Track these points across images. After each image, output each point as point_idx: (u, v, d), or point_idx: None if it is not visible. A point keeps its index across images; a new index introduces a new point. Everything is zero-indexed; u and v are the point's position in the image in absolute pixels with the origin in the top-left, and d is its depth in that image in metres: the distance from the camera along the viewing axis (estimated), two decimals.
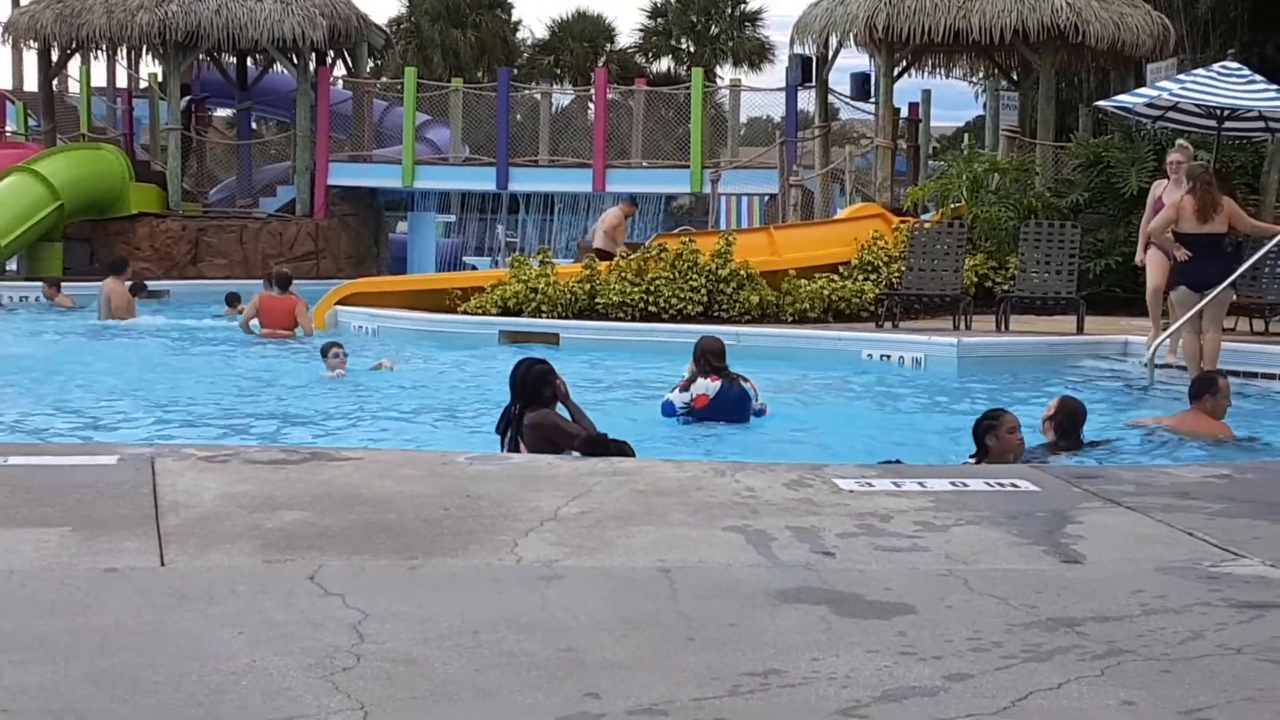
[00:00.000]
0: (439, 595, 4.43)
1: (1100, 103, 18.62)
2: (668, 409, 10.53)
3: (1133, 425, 10.17)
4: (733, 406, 10.44)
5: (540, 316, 16.40)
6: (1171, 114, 16.66)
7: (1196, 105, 16.13)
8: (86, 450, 7.33)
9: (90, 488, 5.67)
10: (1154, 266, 13.57)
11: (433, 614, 4.22)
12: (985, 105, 27.35)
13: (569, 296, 16.62)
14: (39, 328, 18.81)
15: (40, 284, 22.36)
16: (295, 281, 23.60)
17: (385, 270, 27.26)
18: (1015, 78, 24.55)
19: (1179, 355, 12.94)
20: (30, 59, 28.90)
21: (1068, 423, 9.00)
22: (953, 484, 6.13)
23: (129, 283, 20.16)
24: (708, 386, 10.36)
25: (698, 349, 10.62)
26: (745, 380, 10.58)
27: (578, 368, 13.82)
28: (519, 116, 29.41)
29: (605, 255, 19.39)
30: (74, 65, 29.20)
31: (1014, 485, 6.13)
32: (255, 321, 17.30)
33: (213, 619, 4.14)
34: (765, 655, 3.93)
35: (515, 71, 34.94)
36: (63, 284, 22.19)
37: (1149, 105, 16.63)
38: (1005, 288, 17.11)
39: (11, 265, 25.21)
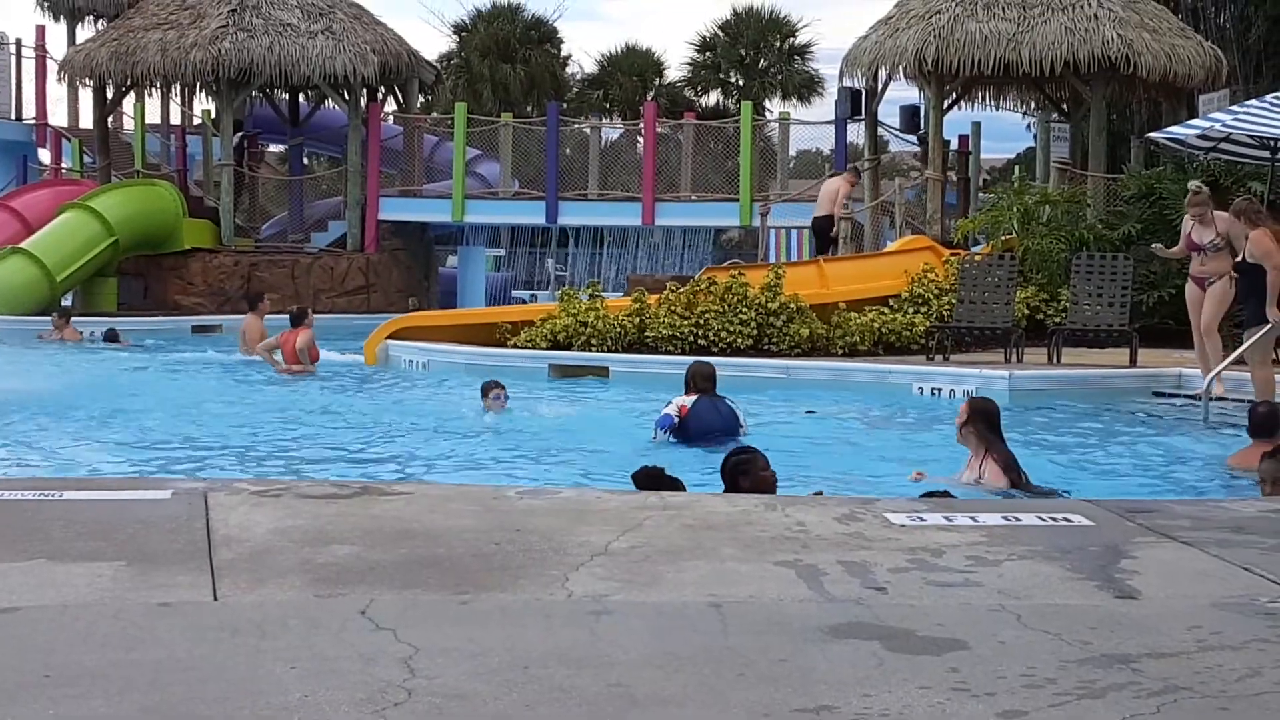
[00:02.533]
0: (489, 630, 4.43)
1: (1152, 134, 18.54)
2: (664, 422, 11.02)
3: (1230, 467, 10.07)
4: (717, 420, 10.87)
5: (590, 350, 16.42)
6: (1224, 145, 16.57)
7: (1250, 136, 16.03)
8: (140, 485, 7.38)
9: (144, 522, 5.70)
10: (1190, 305, 13.64)
11: (483, 649, 4.22)
12: (1036, 137, 27.28)
13: (619, 330, 16.64)
14: (94, 361, 18.97)
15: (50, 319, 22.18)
16: (347, 315, 23.80)
17: (435, 304, 27.39)
18: (1066, 109, 24.47)
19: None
20: (86, 97, 29.30)
21: (985, 423, 8.78)
22: (1005, 518, 6.08)
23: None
24: (687, 399, 11.06)
25: (688, 372, 11.36)
26: (731, 402, 11.13)
27: (628, 401, 13.86)
28: (568, 150, 29.54)
29: (828, 222, 19.67)
30: (129, 102, 29.57)
31: (1067, 519, 6.08)
32: (279, 354, 17.35)
33: (265, 653, 4.15)
34: (817, 691, 3.90)
35: (565, 106, 35.10)
36: (73, 318, 22.12)
37: (1201, 137, 16.54)
38: (1057, 320, 17.03)
39: (67, 300, 25.48)
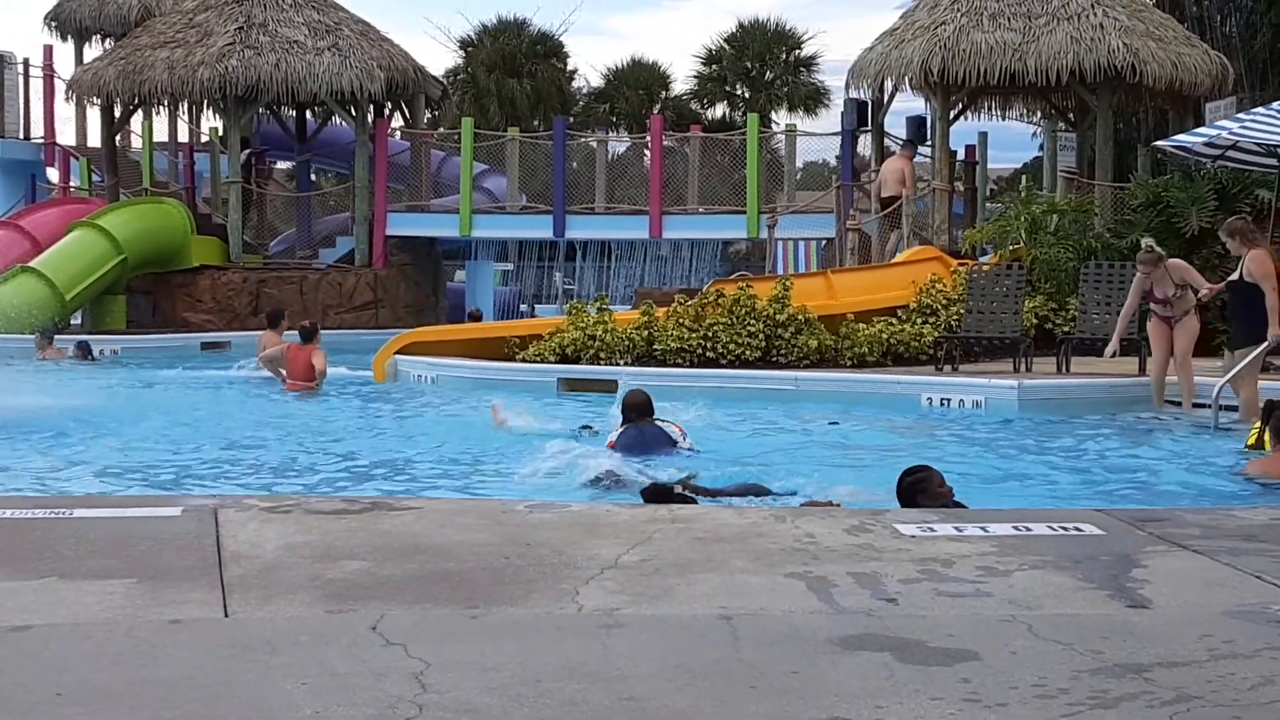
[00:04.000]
0: (501, 644, 4.43)
1: (1159, 143, 18.54)
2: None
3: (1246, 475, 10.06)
4: (642, 445, 11.01)
5: (599, 363, 16.42)
6: (1231, 153, 16.56)
7: (1257, 144, 16.02)
8: (151, 502, 7.39)
9: (154, 539, 5.71)
10: (1153, 338, 13.98)
11: (495, 663, 4.22)
12: (1043, 146, 27.29)
13: (627, 343, 16.64)
14: (103, 379, 19.00)
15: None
16: (356, 331, 23.76)
17: (444, 319, 27.41)
18: (1072, 119, 24.47)
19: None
20: (94, 115, 29.37)
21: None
22: (1015, 528, 6.08)
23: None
24: (615, 432, 11.30)
25: (621, 403, 11.60)
26: (670, 424, 11.32)
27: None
28: (575, 164, 29.56)
29: (892, 201, 19.69)
30: (136, 121, 29.62)
31: (1078, 529, 6.08)
32: (283, 368, 17.34)
33: (276, 670, 4.16)
34: (828, 703, 3.90)
35: (571, 119, 35.12)
36: (56, 337, 21.73)
37: (1208, 145, 16.53)
38: (1066, 329, 17.01)
39: (76, 319, 25.51)
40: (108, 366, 21.13)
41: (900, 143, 23.12)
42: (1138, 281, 14.25)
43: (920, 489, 7.46)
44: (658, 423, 11.27)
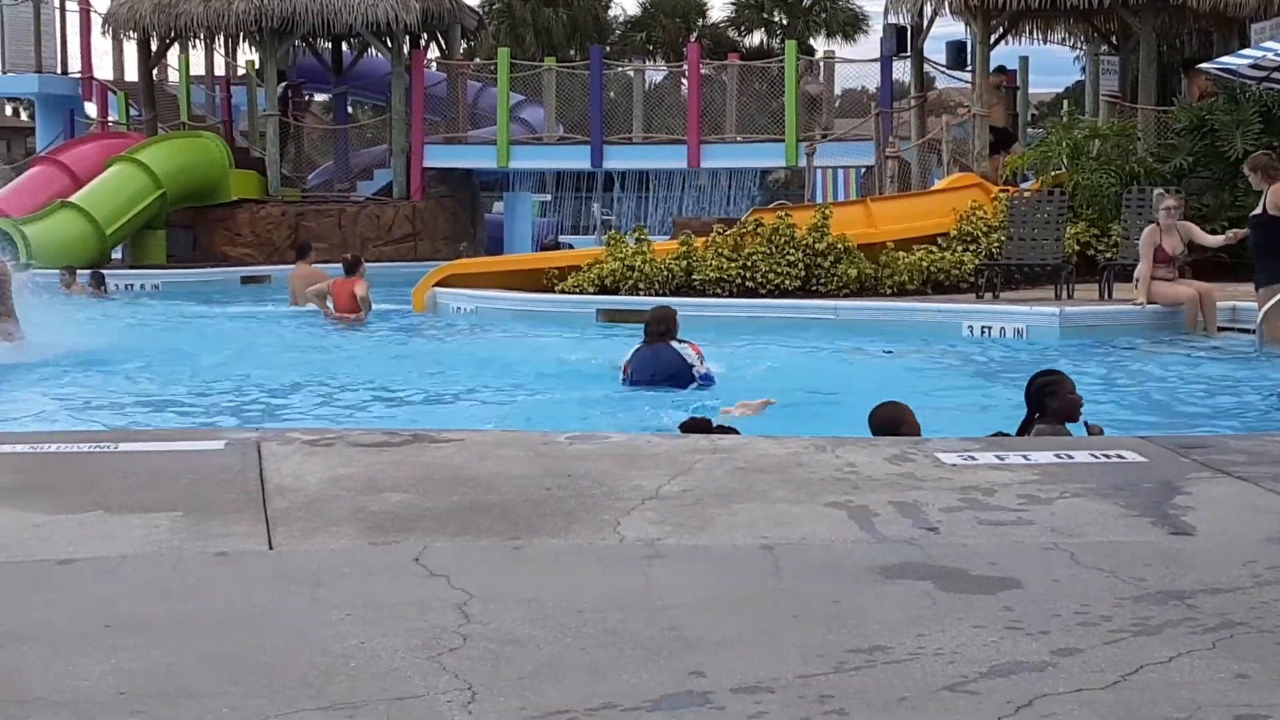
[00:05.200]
0: (543, 575, 4.45)
1: (1203, 65, 18.29)
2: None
3: None
4: (653, 366, 10.78)
5: (638, 294, 16.41)
6: (1277, 74, 16.33)
7: None
8: (194, 436, 7.44)
9: (198, 473, 5.76)
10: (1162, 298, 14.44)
11: (537, 594, 4.24)
12: (1084, 70, 26.95)
13: (665, 273, 16.62)
14: (144, 314, 19.12)
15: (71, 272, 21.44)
16: (394, 263, 23.81)
17: (483, 251, 27.41)
18: (1115, 42, 24.15)
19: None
20: (130, 50, 29.33)
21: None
22: (1057, 456, 6.06)
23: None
24: (629, 352, 11.08)
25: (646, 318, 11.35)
26: (686, 344, 10.95)
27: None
28: (612, 94, 29.41)
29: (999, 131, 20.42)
30: (173, 55, 29.60)
31: (1120, 456, 6.05)
32: (330, 301, 17.42)
33: (321, 601, 4.19)
34: (870, 632, 3.91)
35: (608, 49, 34.95)
36: (78, 271, 21.70)
37: (1253, 66, 16.31)
38: (1108, 256, 16.88)
39: (116, 254, 25.64)
40: (146, 300, 21.25)
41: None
42: (1150, 234, 14.33)
43: (1049, 392, 7.46)
44: (674, 344, 10.94)
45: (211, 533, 4.92)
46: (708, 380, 10.88)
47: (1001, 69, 22.63)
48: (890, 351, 13.45)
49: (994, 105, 21.67)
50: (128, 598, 4.24)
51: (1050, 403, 7.41)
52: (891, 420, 7.36)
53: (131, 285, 22.73)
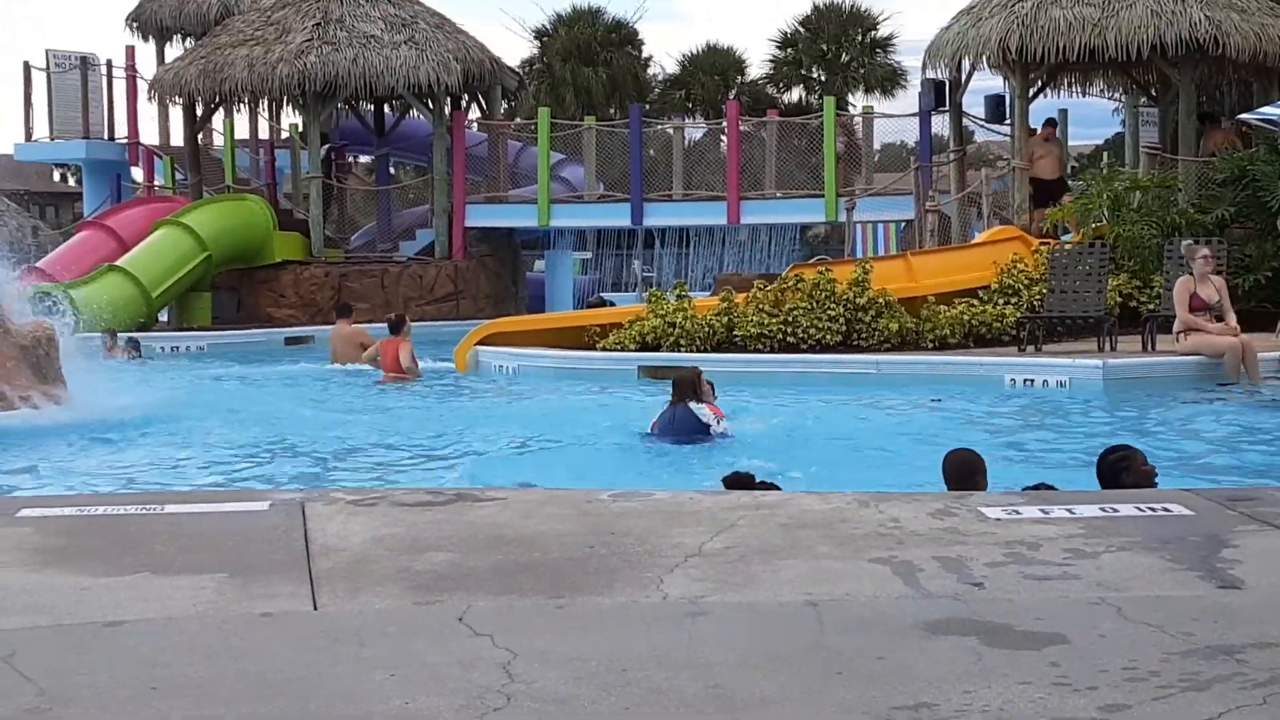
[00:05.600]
0: (586, 634, 4.45)
1: (1243, 116, 18.26)
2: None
3: None
4: (672, 428, 11.33)
5: (679, 351, 16.42)
6: None
7: None
8: (239, 496, 7.48)
9: (243, 534, 5.78)
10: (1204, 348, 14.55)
11: (581, 653, 4.24)
12: (1124, 122, 26.93)
13: (707, 330, 16.63)
14: (189, 375, 19.24)
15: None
16: (436, 323, 23.90)
17: (524, 309, 27.50)
18: (1154, 93, 24.13)
19: None
20: (176, 114, 29.69)
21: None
22: (1102, 509, 6.02)
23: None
24: (656, 413, 11.60)
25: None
26: (705, 406, 11.40)
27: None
28: (652, 152, 29.53)
29: (1047, 184, 20.54)
30: (218, 119, 29.93)
31: (1166, 509, 6.00)
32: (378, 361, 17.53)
33: (365, 661, 4.20)
34: (916, 688, 3.89)
35: (647, 107, 35.11)
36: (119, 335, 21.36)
37: None
38: (1151, 307, 16.81)
39: (162, 316, 25.84)
40: (193, 361, 21.37)
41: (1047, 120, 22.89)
42: (1184, 284, 14.34)
43: (1123, 467, 7.44)
44: (693, 406, 11.36)
45: (257, 593, 4.94)
46: (726, 438, 11.27)
47: (1051, 121, 22.61)
48: (939, 400, 13.41)
49: (1040, 157, 21.62)
50: (174, 659, 4.26)
51: (1126, 478, 7.38)
52: (967, 465, 7.38)
53: (177, 347, 22.89)
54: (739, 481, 7.25)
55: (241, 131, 31.01)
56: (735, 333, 16.62)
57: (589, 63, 42.61)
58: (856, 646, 4.27)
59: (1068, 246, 17.82)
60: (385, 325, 18.14)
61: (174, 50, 32.05)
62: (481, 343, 18.10)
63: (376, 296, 26.01)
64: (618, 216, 27.61)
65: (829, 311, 16.53)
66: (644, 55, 45.47)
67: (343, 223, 30.59)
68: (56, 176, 49.64)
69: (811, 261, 19.69)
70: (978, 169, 24.89)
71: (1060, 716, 3.67)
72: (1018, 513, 5.93)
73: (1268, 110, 17.10)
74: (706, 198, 27.22)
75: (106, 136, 32.40)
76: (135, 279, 24.32)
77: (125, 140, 32.25)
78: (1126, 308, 17.29)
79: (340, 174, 30.32)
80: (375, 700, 3.85)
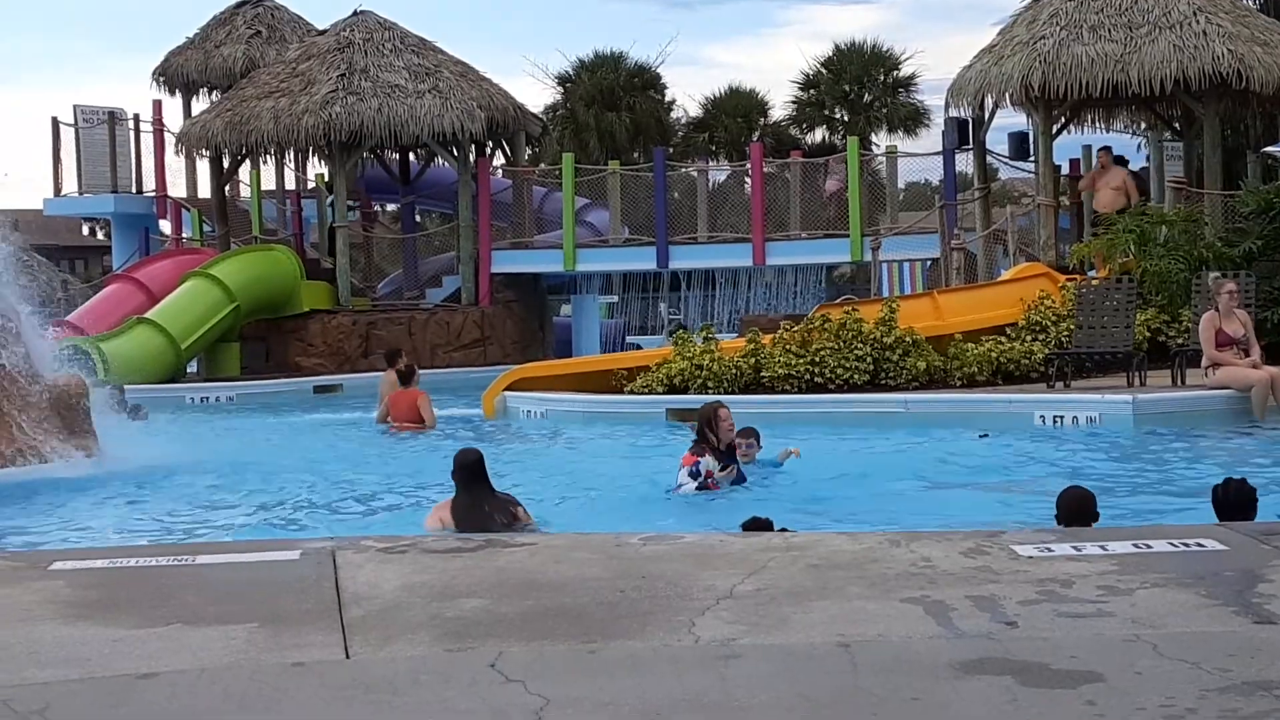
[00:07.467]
0: (619, 678, 4.44)
1: (1269, 149, 18.24)
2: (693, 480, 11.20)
3: None
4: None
5: (706, 393, 16.41)
6: None
7: None
8: (269, 546, 7.48)
9: (274, 583, 5.79)
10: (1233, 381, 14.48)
11: (613, 697, 4.22)
12: (1149, 157, 26.92)
13: (734, 371, 16.63)
14: (218, 425, 19.31)
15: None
16: (464, 369, 23.90)
17: (551, 354, 27.54)
18: (1178, 128, 24.12)
19: None
20: (203, 167, 29.91)
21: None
22: (1135, 545, 5.98)
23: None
24: (715, 468, 11.19)
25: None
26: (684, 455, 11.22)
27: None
28: (676, 194, 29.60)
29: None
30: (244, 170, 30.15)
31: (1199, 544, 5.97)
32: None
33: (398, 710, 4.19)
34: None
35: (671, 150, 35.21)
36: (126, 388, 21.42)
37: None
38: (1179, 342, 16.75)
39: (191, 367, 25.96)
40: (220, 411, 21.43)
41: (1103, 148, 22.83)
42: (1209, 320, 14.33)
43: (1253, 499, 7.46)
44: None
45: (288, 643, 4.94)
46: (677, 491, 11.04)
47: (1108, 149, 22.46)
48: (986, 435, 13.39)
49: (1104, 188, 21.48)
50: (207, 710, 4.26)
51: (1250, 512, 7.38)
52: (1083, 503, 7.41)
53: (206, 398, 22.99)
54: (757, 526, 7.23)
55: (268, 182, 31.20)
56: (762, 374, 16.61)
57: (612, 107, 42.77)
58: (890, 687, 4.25)
59: (1094, 282, 17.79)
60: (396, 375, 17.79)
61: (200, 104, 32.33)
62: (509, 388, 18.12)
63: (404, 343, 25.97)
64: (643, 260, 27.68)
65: (856, 351, 16.52)
66: (667, 99, 45.62)
67: (369, 271, 30.71)
68: (85, 230, 49.98)
69: (838, 301, 19.68)
70: (1002, 206, 24.89)
71: None
72: (1050, 550, 5.90)
73: None
74: (731, 239, 27.29)
75: (134, 190, 32.64)
76: (165, 330, 24.45)
77: (153, 193, 32.49)
78: (1155, 342, 17.23)
79: (366, 223, 30.45)
80: None
